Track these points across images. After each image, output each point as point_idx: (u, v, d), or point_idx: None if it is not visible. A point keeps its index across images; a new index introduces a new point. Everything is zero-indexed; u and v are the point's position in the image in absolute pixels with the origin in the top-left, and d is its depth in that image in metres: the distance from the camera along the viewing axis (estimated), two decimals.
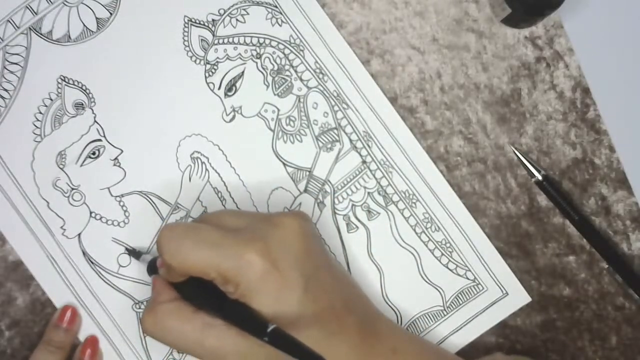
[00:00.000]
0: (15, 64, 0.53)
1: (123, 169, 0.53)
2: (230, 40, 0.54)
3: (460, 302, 0.53)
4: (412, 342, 0.49)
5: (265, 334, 0.41)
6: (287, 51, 0.54)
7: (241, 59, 0.54)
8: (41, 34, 0.53)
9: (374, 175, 0.54)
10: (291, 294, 0.43)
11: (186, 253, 0.43)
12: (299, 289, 0.43)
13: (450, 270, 0.53)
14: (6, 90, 0.53)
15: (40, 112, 0.53)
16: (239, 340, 0.43)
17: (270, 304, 0.43)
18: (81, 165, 0.53)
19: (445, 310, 0.53)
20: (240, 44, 0.54)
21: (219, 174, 0.53)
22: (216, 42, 0.54)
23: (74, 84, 0.53)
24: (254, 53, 0.54)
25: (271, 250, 0.43)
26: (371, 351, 0.46)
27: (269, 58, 0.54)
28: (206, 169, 0.53)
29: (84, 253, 0.53)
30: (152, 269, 0.50)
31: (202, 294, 0.45)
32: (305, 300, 0.43)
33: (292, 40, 0.54)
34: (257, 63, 0.54)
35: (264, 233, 0.44)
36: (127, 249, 0.53)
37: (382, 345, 0.47)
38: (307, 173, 0.54)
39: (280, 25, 0.54)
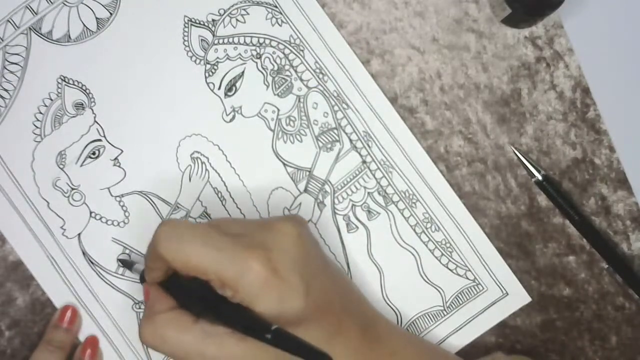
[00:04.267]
0: (15, 64, 0.53)
1: (123, 169, 0.53)
2: (230, 40, 0.54)
3: (460, 302, 0.53)
4: (411, 344, 0.49)
5: (269, 333, 0.41)
6: (287, 51, 0.54)
7: (241, 59, 0.54)
8: (41, 34, 0.53)
9: (374, 175, 0.54)
10: (292, 300, 0.43)
11: (189, 252, 0.43)
12: (300, 295, 0.43)
13: (450, 270, 0.53)
14: (6, 90, 0.53)
15: (40, 112, 0.53)
16: (241, 346, 0.43)
17: (272, 309, 0.43)
18: (81, 165, 0.53)
19: (445, 310, 0.53)
20: (240, 44, 0.54)
21: (219, 174, 0.53)
22: (216, 42, 0.54)
23: (74, 84, 0.53)
24: (254, 53, 0.54)
25: (271, 257, 0.43)
26: (370, 353, 0.46)
27: (269, 58, 0.54)
28: (206, 169, 0.53)
29: (84, 253, 0.53)
30: (144, 278, 0.49)
31: (200, 301, 0.45)
32: (307, 305, 0.43)
33: (292, 40, 0.54)
34: (257, 63, 0.54)
35: (263, 240, 0.44)
36: (119, 259, 0.52)
37: (382, 347, 0.47)
38: (307, 173, 0.54)
39: (280, 25, 0.54)
